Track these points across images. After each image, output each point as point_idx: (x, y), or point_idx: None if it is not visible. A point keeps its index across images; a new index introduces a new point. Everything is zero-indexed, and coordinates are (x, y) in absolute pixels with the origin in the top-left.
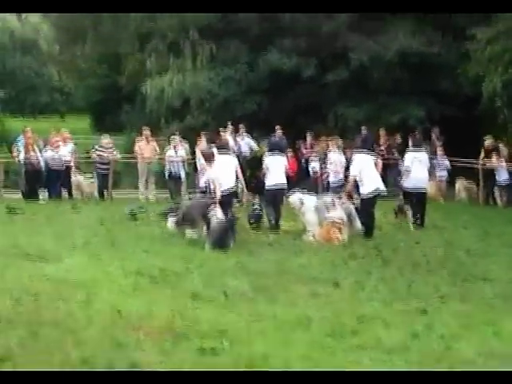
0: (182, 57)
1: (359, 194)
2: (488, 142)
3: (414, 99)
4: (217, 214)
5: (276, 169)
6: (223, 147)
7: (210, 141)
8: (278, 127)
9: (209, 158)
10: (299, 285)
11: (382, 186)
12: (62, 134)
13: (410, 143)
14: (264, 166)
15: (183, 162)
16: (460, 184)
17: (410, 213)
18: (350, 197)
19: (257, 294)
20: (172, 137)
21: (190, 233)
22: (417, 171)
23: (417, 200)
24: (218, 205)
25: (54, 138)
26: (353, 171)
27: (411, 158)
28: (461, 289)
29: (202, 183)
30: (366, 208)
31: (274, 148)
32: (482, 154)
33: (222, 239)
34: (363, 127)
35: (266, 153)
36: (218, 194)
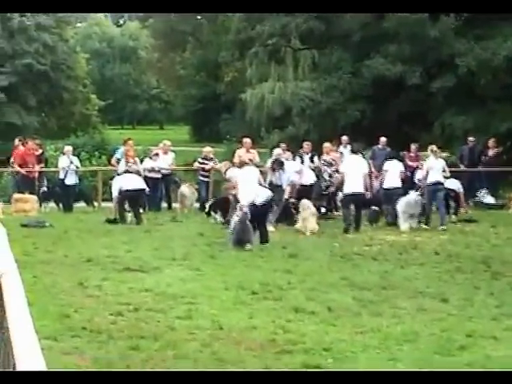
0: (283, 64)
1: None
2: None
3: None
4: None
5: (392, 172)
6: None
7: None
8: (383, 139)
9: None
10: (405, 299)
11: None
12: (163, 144)
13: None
14: (383, 171)
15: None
16: None
17: None
18: None
19: (361, 308)
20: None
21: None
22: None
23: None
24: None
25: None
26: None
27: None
28: None
29: None
30: None
31: (391, 155)
32: None
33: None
34: (470, 137)
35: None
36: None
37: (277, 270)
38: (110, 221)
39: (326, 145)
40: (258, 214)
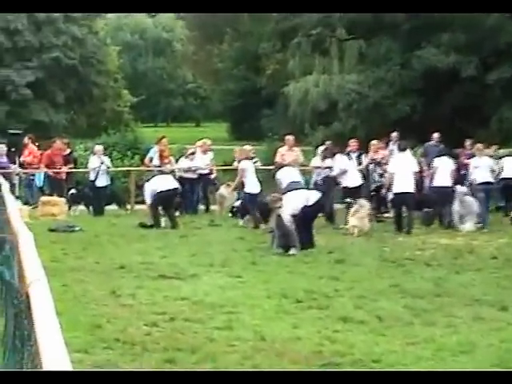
0: (327, 56)
1: None
2: None
3: None
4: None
5: (442, 170)
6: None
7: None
8: (436, 134)
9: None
10: (460, 307)
11: None
12: (202, 142)
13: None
14: (433, 168)
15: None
16: None
17: None
18: None
19: (413, 317)
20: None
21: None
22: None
23: None
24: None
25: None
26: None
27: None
28: None
29: None
30: None
31: (442, 151)
32: None
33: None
34: None
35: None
36: None
37: (322, 276)
38: (143, 225)
39: (374, 142)
40: (307, 216)
